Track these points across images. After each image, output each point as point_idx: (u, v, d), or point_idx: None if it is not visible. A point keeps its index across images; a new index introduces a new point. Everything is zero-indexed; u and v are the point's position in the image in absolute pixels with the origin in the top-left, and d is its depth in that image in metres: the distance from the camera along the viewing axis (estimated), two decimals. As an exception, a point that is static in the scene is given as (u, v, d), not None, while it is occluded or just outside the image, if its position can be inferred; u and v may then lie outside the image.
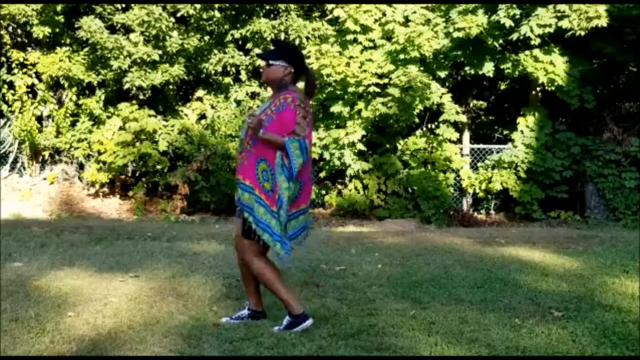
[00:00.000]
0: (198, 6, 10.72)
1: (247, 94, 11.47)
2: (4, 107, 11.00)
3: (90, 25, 10.22)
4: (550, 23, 9.72)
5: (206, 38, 11.23)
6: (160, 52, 10.55)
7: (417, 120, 10.93)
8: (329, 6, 11.07)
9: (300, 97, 3.69)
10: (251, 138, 3.70)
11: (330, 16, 11.15)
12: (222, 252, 6.19)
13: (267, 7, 11.49)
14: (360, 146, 10.65)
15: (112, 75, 10.58)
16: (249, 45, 11.30)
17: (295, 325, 3.68)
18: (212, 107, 11.43)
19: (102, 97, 10.98)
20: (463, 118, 10.94)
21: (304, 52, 10.89)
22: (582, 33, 9.66)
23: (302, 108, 3.66)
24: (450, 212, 10.81)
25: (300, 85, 3.88)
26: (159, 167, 10.81)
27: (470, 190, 11.36)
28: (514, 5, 9.88)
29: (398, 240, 7.26)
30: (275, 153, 3.62)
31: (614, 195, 10.61)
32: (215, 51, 11.15)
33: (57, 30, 10.93)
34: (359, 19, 10.66)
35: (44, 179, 11.40)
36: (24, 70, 10.94)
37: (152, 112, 10.95)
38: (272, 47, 4.78)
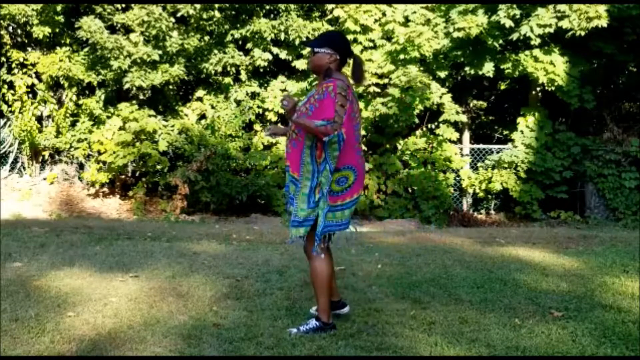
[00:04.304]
0: (198, 6, 10.71)
1: (247, 94, 11.47)
2: (4, 107, 11.00)
3: (90, 25, 10.22)
4: (550, 23, 9.72)
5: (206, 38, 11.22)
6: (160, 52, 10.55)
7: (417, 120, 10.93)
8: (329, 6, 11.07)
9: (342, 85, 3.58)
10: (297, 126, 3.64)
11: (330, 16, 11.15)
12: (222, 252, 6.18)
13: (267, 7, 11.49)
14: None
15: (112, 75, 10.58)
16: (249, 45, 11.30)
17: (321, 330, 3.67)
18: (212, 107, 11.43)
19: (102, 97, 10.98)
20: (463, 118, 10.94)
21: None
22: (582, 33, 9.67)
23: (343, 96, 3.55)
24: (450, 212, 10.82)
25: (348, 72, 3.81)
26: (159, 167, 10.83)
27: (470, 190, 11.37)
28: (514, 6, 9.89)
29: (398, 240, 7.26)
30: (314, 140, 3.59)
31: (614, 195, 10.62)
32: (215, 51, 11.15)
33: (57, 30, 10.93)
34: (359, 19, 10.66)
35: (44, 179, 11.40)
36: (24, 70, 10.94)
37: (152, 112, 10.97)
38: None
